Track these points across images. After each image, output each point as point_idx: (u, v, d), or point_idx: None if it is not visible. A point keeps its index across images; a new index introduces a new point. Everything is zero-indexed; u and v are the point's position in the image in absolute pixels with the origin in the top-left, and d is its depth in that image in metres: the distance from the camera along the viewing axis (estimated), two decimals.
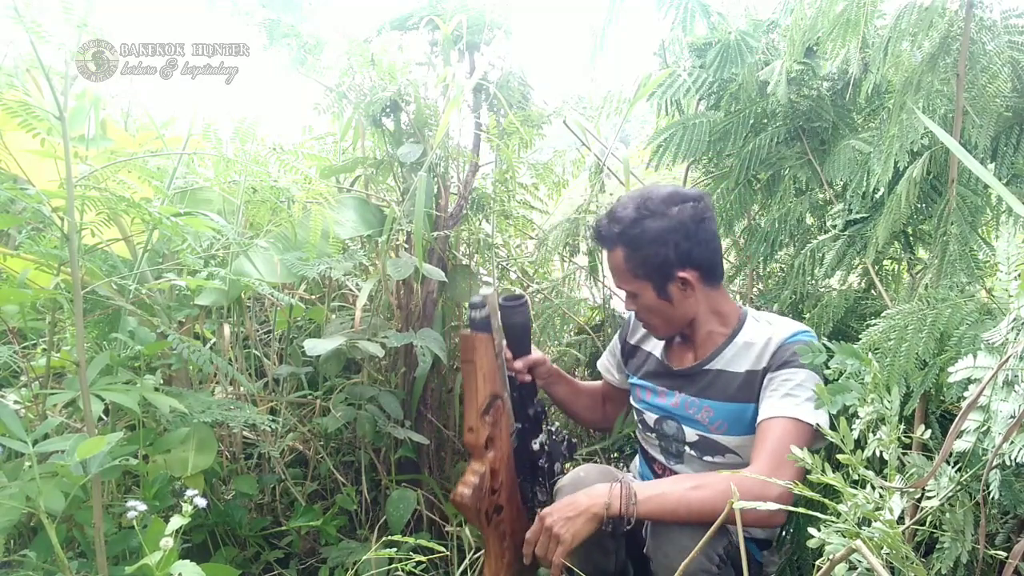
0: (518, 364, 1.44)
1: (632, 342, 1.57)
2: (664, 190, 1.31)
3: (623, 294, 1.44)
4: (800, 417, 1.18)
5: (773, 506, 0.88)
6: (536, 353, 1.48)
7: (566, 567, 1.45)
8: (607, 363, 1.66)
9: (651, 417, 1.47)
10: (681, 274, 1.29)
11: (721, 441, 1.34)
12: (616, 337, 1.65)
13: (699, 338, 1.39)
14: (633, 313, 1.47)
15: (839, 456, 0.87)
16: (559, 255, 2.17)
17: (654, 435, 1.47)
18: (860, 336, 1.17)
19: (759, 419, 1.23)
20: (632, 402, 1.54)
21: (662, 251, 1.27)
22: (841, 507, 0.82)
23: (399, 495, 1.63)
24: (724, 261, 2.07)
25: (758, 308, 1.84)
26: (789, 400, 1.21)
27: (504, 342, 1.43)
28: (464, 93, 1.61)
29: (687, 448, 1.38)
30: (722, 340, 1.35)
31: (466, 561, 1.68)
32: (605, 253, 1.40)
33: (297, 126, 1.99)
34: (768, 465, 1.14)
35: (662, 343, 1.48)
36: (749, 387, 1.30)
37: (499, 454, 1.50)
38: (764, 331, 1.31)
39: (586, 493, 1.23)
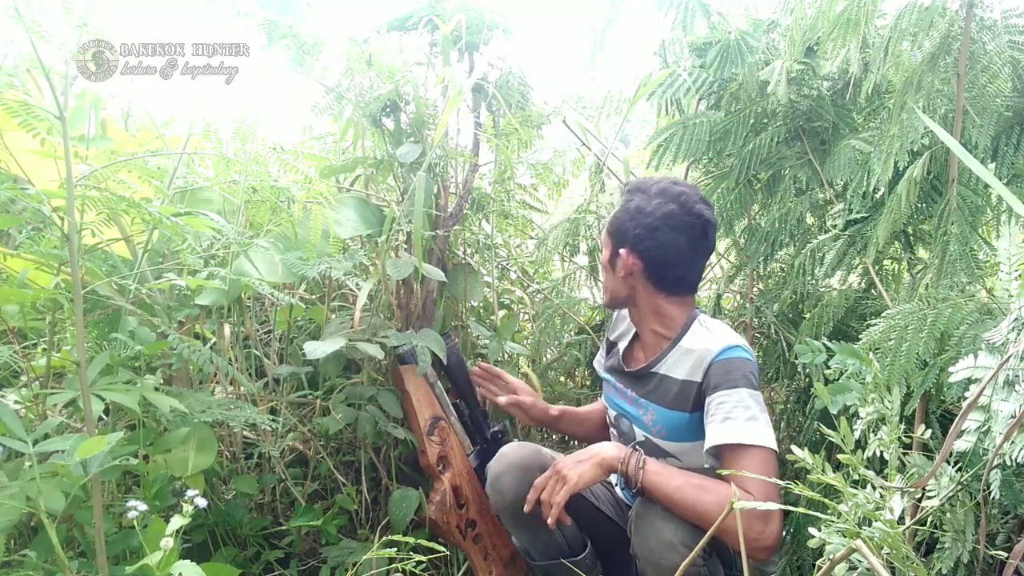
0: (501, 400, 1.63)
1: (612, 338, 1.61)
2: (679, 189, 1.35)
3: None
4: (754, 443, 1.18)
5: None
6: (525, 396, 1.65)
7: (525, 556, 1.49)
8: (598, 361, 1.69)
9: (612, 413, 1.51)
10: (624, 252, 1.36)
11: (661, 445, 1.36)
12: None
13: (644, 336, 1.44)
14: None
15: (840, 456, 0.87)
16: (559, 255, 2.17)
17: (615, 431, 1.51)
18: (860, 336, 1.17)
19: (711, 444, 1.21)
20: (602, 397, 1.59)
21: (627, 224, 1.36)
22: (841, 507, 0.82)
23: (401, 494, 1.63)
24: (725, 263, 2.07)
25: (758, 308, 1.84)
26: (730, 424, 1.20)
27: (435, 374, 1.64)
28: (463, 93, 1.61)
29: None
30: (666, 344, 1.38)
31: (466, 564, 1.68)
32: None
33: (297, 126, 1.98)
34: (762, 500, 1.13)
35: (628, 341, 1.52)
36: (684, 397, 1.31)
37: (455, 471, 1.63)
38: (703, 339, 1.32)
39: (602, 446, 1.29)
